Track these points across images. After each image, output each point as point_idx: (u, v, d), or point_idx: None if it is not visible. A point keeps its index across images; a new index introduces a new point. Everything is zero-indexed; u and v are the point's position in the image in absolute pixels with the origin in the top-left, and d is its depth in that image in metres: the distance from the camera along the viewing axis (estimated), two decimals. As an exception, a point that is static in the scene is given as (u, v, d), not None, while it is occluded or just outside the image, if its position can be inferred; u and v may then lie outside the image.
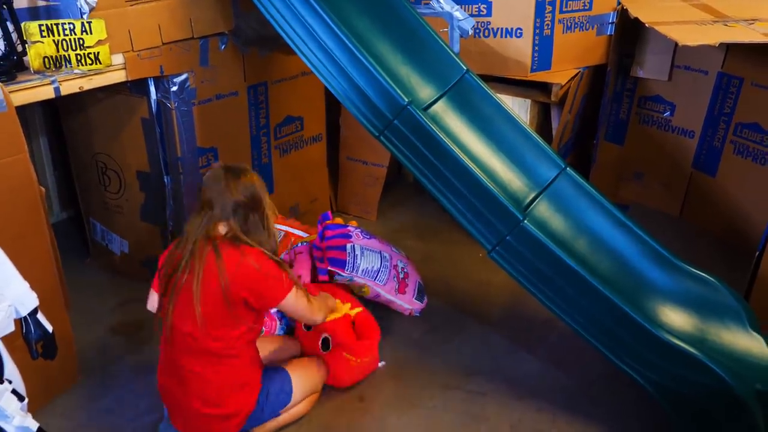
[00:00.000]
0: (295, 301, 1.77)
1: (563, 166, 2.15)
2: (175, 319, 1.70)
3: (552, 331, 2.39)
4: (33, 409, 1.36)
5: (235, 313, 1.69)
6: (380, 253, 2.48)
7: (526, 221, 1.85)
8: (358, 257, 2.45)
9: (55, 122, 2.94)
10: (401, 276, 2.47)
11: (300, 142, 2.93)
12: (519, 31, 2.63)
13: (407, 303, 2.48)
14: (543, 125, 2.94)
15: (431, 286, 2.63)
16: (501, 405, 2.06)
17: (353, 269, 2.44)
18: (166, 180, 2.43)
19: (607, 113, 3.25)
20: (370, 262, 2.45)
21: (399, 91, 1.90)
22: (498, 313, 2.56)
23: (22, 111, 1.83)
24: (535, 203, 2.12)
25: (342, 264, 2.44)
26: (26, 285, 1.40)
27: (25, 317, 1.41)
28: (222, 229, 1.71)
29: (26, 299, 1.40)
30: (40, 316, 1.43)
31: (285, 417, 1.91)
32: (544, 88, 2.76)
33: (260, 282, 1.69)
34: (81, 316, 2.50)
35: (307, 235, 2.62)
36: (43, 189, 1.82)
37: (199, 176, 2.46)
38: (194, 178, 2.44)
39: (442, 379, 2.18)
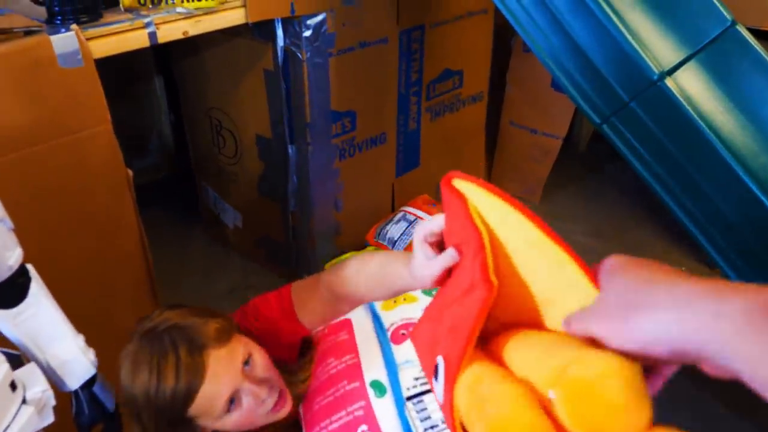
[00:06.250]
0: None
1: None
2: None
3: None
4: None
5: None
6: None
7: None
8: None
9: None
10: None
11: (456, 102, 2.31)
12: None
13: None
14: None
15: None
16: None
17: None
18: (289, 150, 1.91)
19: None
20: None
21: (647, 58, 1.22)
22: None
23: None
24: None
25: None
26: (79, 345, 0.93)
27: (75, 391, 0.95)
28: None
29: (77, 366, 0.93)
30: (98, 387, 0.97)
31: None
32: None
33: None
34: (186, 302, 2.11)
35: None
36: (130, 172, 1.36)
37: (331, 148, 1.92)
38: (325, 151, 1.90)
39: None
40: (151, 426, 0.92)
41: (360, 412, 1.03)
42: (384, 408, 1.03)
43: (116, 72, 2.50)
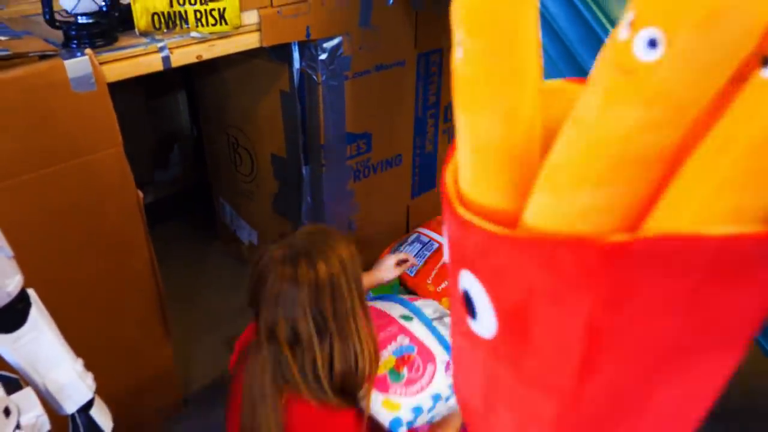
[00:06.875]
0: None
1: None
2: None
3: None
4: None
5: None
6: None
7: None
8: None
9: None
10: None
11: (474, 124, 2.29)
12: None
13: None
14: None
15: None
16: None
17: None
18: (304, 171, 1.92)
19: None
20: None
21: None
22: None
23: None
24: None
25: None
26: (77, 369, 0.95)
27: (72, 415, 0.96)
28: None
29: (74, 390, 0.95)
30: (95, 411, 0.98)
31: None
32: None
33: None
34: (200, 320, 2.13)
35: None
36: (141, 194, 1.37)
37: (346, 170, 1.93)
38: (339, 172, 1.91)
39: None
40: (352, 279, 1.05)
41: (395, 329, 1.24)
42: (415, 327, 1.25)
43: (141, 85, 2.55)
